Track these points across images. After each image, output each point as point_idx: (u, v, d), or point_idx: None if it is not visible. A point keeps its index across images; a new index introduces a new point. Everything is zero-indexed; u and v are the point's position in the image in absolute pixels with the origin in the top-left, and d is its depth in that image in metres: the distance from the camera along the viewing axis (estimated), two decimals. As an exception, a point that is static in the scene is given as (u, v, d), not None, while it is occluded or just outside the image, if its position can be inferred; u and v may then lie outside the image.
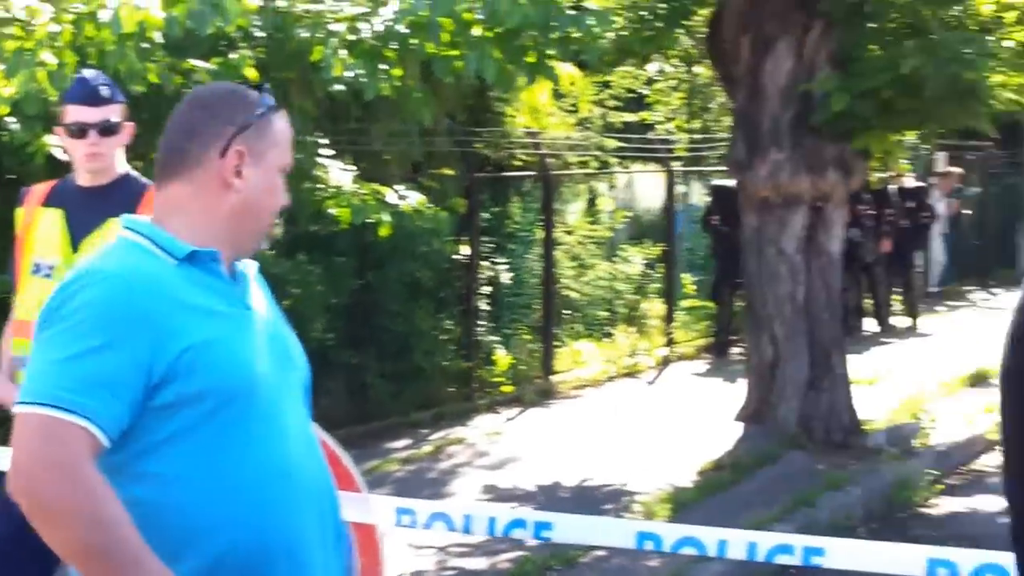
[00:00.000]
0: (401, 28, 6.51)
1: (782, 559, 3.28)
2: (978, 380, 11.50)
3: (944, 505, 8.35)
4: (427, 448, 9.39)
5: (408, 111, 7.37)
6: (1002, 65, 8.64)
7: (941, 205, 17.67)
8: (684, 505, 7.58)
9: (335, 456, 3.40)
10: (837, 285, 9.31)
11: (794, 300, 8.98)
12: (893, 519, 7.91)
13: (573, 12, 7.01)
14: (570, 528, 3.62)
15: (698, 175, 15.91)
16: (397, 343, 10.09)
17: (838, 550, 3.24)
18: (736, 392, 10.14)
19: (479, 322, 11.18)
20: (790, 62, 8.85)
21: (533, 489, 8.38)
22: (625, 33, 9.02)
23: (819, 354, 9.02)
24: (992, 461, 9.44)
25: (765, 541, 3.28)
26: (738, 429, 9.18)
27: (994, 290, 19.73)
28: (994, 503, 8.33)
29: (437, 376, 10.53)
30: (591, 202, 14.98)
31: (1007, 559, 3.01)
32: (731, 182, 11.07)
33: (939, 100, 8.42)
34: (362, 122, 9.91)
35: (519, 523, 3.60)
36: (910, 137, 10.53)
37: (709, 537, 3.25)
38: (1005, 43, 8.73)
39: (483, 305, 11.31)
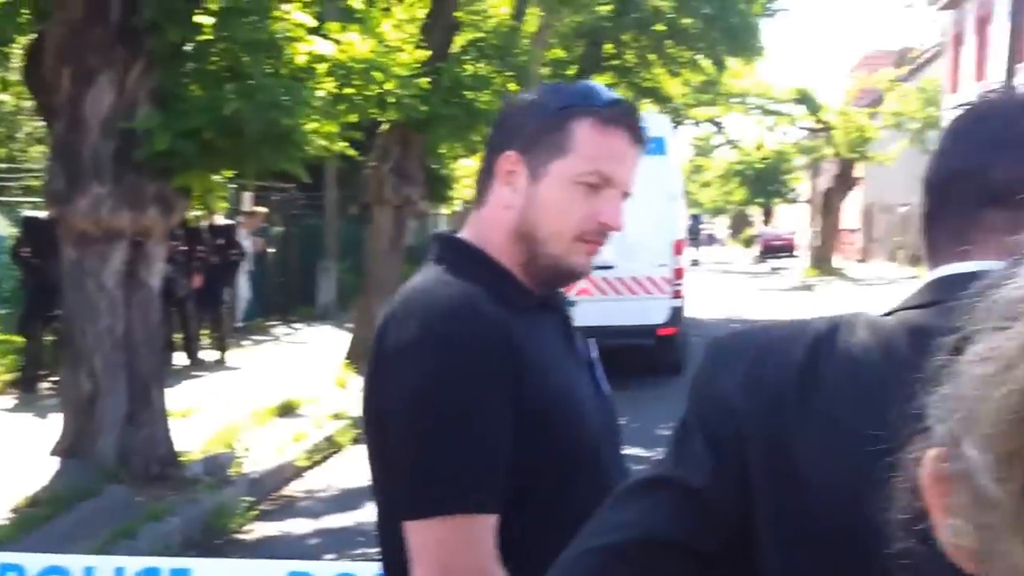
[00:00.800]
0: None
1: (150, 582, 3.36)
2: (286, 411, 12.07)
3: (258, 530, 8.69)
4: None
5: None
6: (315, 113, 9.22)
7: (248, 243, 18.30)
8: None
9: None
10: (157, 319, 9.40)
11: (113, 334, 8.96)
12: (211, 546, 8.12)
13: None
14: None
15: (2, 206, 15.31)
16: None
17: (204, 569, 3.38)
18: (48, 427, 9.92)
19: None
20: (112, 97, 8.82)
21: None
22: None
23: (138, 388, 9.06)
24: (301, 487, 9.98)
25: (132, 565, 3.35)
26: (54, 464, 8.99)
27: (296, 325, 20.74)
28: (304, 526, 8.82)
29: None
30: None
31: (360, 567, 3.30)
32: (43, 214, 10.80)
33: (258, 143, 8.79)
34: None
35: None
36: (228, 177, 10.85)
37: (75, 564, 3.27)
38: (318, 92, 9.32)
39: None
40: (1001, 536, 0.75)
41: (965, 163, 1.49)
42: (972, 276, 1.27)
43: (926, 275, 1.49)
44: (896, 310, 1.46)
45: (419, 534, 1.95)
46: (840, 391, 1.37)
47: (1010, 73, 18.49)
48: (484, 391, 1.96)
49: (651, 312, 14.83)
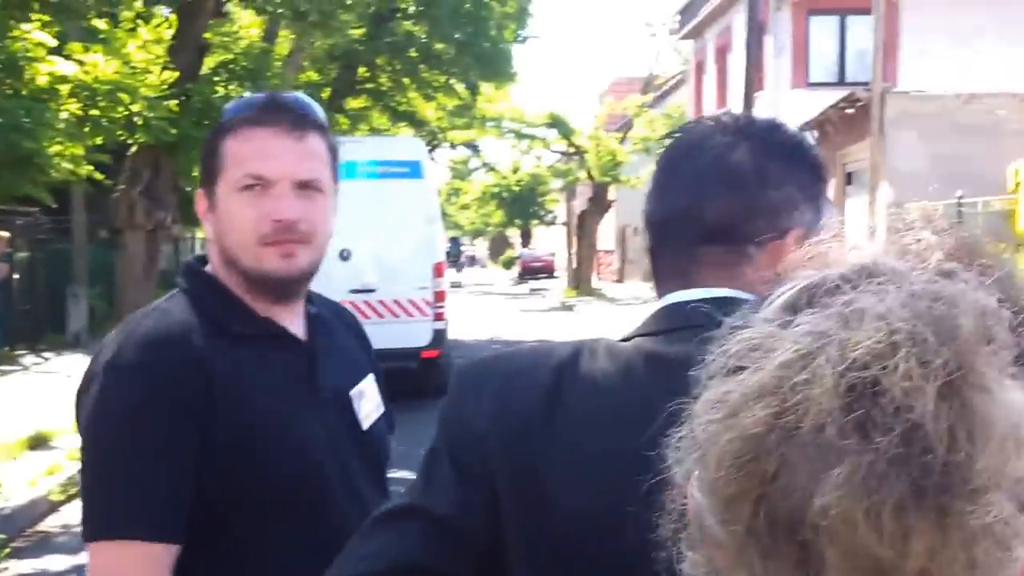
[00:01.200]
0: None
1: None
2: (38, 443, 11.62)
3: (12, 568, 8.35)
4: None
5: None
6: (59, 135, 8.95)
7: (-9, 270, 17.58)
8: None
9: None
10: None
11: None
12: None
13: None
14: None
15: None
16: None
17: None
18: None
19: None
20: None
21: None
22: None
23: None
24: (57, 521, 9.63)
25: None
26: None
27: (45, 354, 19.99)
28: (61, 562, 8.51)
29: None
30: None
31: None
32: None
33: (-1, 167, 8.50)
34: None
35: None
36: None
37: None
38: (62, 114, 9.05)
39: None
40: (726, 572, 0.78)
41: (678, 202, 1.54)
42: (693, 304, 1.37)
43: (655, 303, 1.56)
44: (632, 336, 1.51)
45: (95, 556, 1.97)
46: (583, 415, 1.42)
47: (748, 101, 19.26)
48: (167, 421, 1.99)
49: (414, 335, 14.88)
